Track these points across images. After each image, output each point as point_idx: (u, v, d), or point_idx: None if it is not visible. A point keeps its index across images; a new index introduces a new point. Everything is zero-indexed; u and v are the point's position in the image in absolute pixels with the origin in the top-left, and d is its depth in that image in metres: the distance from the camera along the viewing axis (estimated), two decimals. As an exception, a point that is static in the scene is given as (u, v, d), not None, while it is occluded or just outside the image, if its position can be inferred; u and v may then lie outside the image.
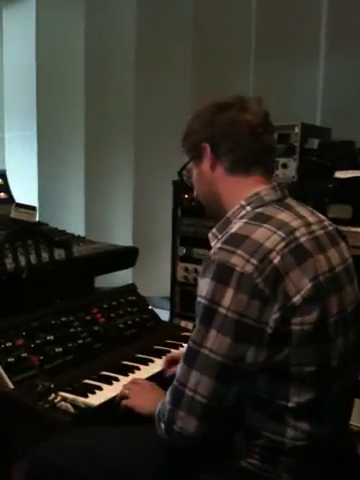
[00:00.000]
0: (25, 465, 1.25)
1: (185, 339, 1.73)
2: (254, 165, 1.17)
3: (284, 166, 2.31)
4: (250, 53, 3.02)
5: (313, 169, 2.39)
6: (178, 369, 1.09)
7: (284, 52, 2.92)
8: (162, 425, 1.10)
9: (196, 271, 2.61)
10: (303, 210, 1.17)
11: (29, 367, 1.45)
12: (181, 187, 2.58)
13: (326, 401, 1.08)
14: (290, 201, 1.18)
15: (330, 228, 1.20)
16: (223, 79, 3.04)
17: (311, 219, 1.15)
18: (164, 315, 2.39)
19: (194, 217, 2.60)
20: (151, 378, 1.50)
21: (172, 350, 1.72)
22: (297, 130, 2.31)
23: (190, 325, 2.17)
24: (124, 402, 1.34)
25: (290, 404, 1.04)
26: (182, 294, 2.72)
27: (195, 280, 2.60)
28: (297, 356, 1.02)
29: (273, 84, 2.91)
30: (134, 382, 1.42)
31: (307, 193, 1.98)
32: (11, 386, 1.38)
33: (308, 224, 1.12)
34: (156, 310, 2.02)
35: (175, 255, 2.73)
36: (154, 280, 3.20)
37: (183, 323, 2.49)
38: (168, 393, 1.10)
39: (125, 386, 1.41)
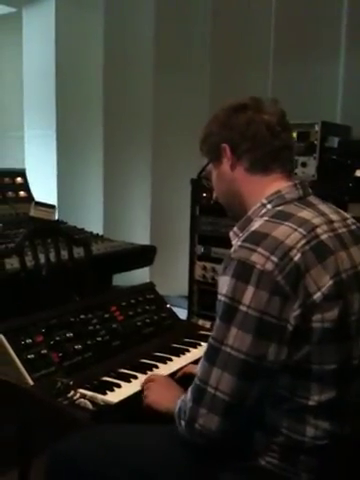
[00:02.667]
0: (44, 461, 1.26)
1: (203, 338, 1.74)
2: (274, 164, 1.18)
3: (304, 165, 2.30)
4: (269, 51, 3.01)
5: (333, 168, 2.37)
6: (199, 367, 1.09)
7: (304, 50, 2.90)
8: (182, 423, 1.10)
9: (214, 270, 2.60)
10: (326, 208, 1.16)
11: (49, 364, 1.46)
12: (199, 186, 2.58)
13: (347, 400, 1.07)
14: (312, 199, 1.18)
15: (353, 227, 1.19)
16: (242, 78, 3.03)
17: (334, 217, 1.14)
18: (182, 314, 2.39)
19: (212, 216, 2.59)
20: (169, 377, 1.50)
21: (190, 349, 1.72)
22: (317, 128, 2.29)
23: (208, 324, 2.17)
24: (144, 400, 1.34)
25: (311, 402, 1.04)
26: (200, 293, 2.71)
27: (213, 279, 2.60)
28: (318, 354, 1.02)
29: (293, 82, 2.89)
30: (151, 379, 1.43)
31: (327, 192, 1.96)
32: (31, 383, 1.39)
33: (330, 221, 1.12)
34: (174, 309, 2.02)
35: (193, 254, 2.73)
36: (172, 279, 3.20)
37: (201, 322, 2.49)
38: (189, 391, 1.11)
39: (142, 384, 1.42)
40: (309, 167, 2.30)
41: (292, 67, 2.93)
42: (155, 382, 1.39)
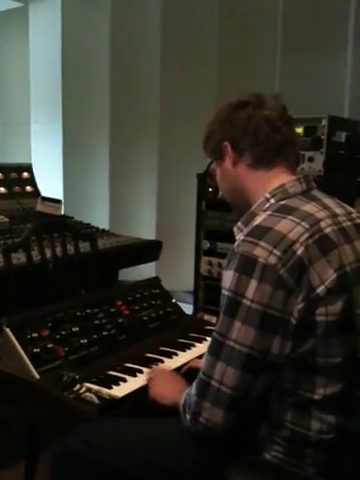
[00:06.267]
0: (51, 454, 1.26)
1: (209, 333, 1.73)
2: (276, 158, 1.18)
3: (310, 159, 2.28)
4: (277, 45, 2.99)
5: (340, 162, 2.36)
6: (203, 361, 1.09)
7: (311, 44, 2.88)
8: (187, 416, 1.10)
9: (220, 265, 2.60)
10: (330, 202, 1.16)
11: (55, 358, 1.46)
12: (205, 180, 2.57)
13: (352, 394, 1.07)
14: (316, 193, 1.18)
15: (358, 220, 1.18)
16: (249, 72, 3.02)
17: (338, 210, 1.14)
18: (187, 309, 2.39)
19: (218, 211, 2.59)
20: (174, 371, 1.50)
21: (196, 343, 1.72)
22: (324, 123, 2.27)
23: (213, 319, 2.17)
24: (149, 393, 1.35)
25: (316, 396, 1.04)
26: (206, 288, 2.71)
27: (219, 274, 2.60)
28: (323, 347, 1.02)
29: (300, 76, 2.88)
30: (154, 371, 1.43)
31: (334, 187, 1.96)
32: (37, 376, 1.39)
33: (334, 215, 1.12)
34: (179, 304, 2.02)
35: (199, 249, 2.73)
36: (177, 274, 3.20)
37: (206, 317, 2.49)
38: (194, 385, 1.11)
39: (147, 376, 1.42)
40: (316, 162, 2.28)
41: (299, 62, 2.91)
42: (159, 375, 1.40)
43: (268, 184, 1.16)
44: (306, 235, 1.03)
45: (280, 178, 1.17)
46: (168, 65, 3.34)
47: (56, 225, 1.88)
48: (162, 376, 1.39)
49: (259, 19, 3.07)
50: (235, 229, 1.21)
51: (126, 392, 1.37)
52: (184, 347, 1.68)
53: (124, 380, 1.43)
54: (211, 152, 1.27)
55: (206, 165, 1.35)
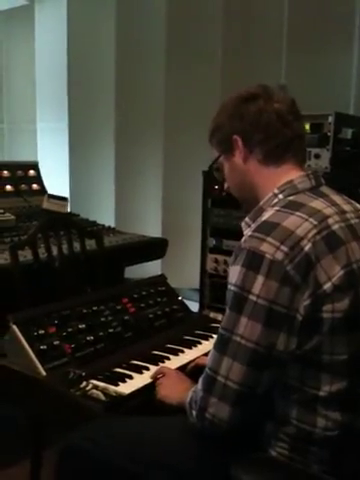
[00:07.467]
0: (56, 451, 1.27)
1: (215, 330, 1.73)
2: (287, 154, 1.17)
3: (317, 156, 2.27)
4: (282, 41, 2.98)
5: (347, 159, 2.35)
6: (209, 356, 1.09)
7: (317, 40, 2.88)
8: (194, 412, 1.10)
9: (226, 262, 2.59)
10: (338, 198, 1.16)
11: (61, 355, 1.46)
12: (211, 178, 2.56)
13: (358, 392, 1.06)
14: (325, 189, 1.17)
15: None
16: (254, 68, 3.01)
17: (346, 207, 1.14)
18: (193, 306, 2.38)
19: (224, 208, 2.58)
20: (180, 368, 1.50)
21: (202, 341, 1.72)
22: (330, 119, 2.26)
23: (219, 316, 2.17)
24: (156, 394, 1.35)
25: (321, 393, 1.03)
26: (211, 286, 2.71)
27: (225, 271, 2.59)
28: (329, 344, 1.02)
29: (306, 72, 2.87)
30: (161, 372, 1.43)
31: (340, 184, 1.95)
32: (43, 373, 1.40)
33: (342, 212, 1.11)
34: (185, 301, 2.02)
35: (205, 246, 2.72)
36: (183, 271, 3.20)
37: (212, 314, 2.49)
38: (200, 380, 1.11)
39: (152, 375, 1.42)
40: (322, 159, 2.27)
41: (305, 58, 2.91)
42: (166, 377, 1.40)
43: (278, 180, 1.16)
44: (314, 231, 1.03)
45: (289, 174, 1.16)
46: (173, 64, 3.34)
47: (62, 223, 1.88)
48: (168, 378, 1.39)
49: (264, 17, 3.06)
50: (243, 224, 1.21)
51: (133, 389, 1.38)
52: (190, 344, 1.68)
53: (130, 377, 1.43)
54: (218, 146, 1.25)
55: (211, 163, 1.33)
